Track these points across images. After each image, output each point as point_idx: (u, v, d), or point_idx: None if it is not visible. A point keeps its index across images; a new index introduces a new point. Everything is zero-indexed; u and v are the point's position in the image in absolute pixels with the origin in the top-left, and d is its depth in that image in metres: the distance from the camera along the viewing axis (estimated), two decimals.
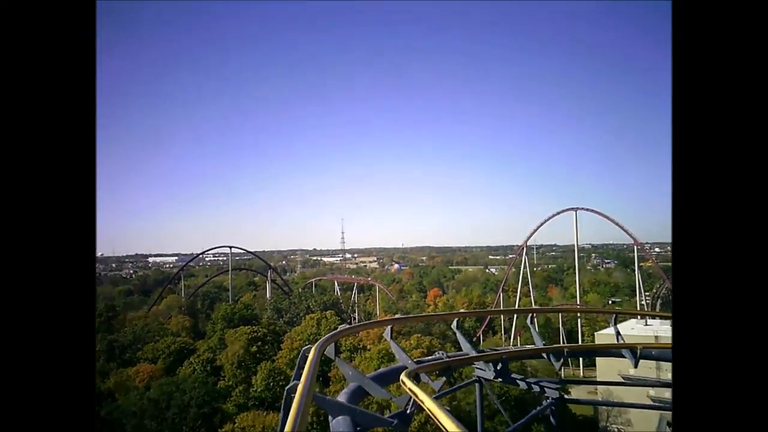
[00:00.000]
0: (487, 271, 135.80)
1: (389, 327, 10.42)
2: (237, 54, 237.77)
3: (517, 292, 70.54)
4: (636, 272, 64.64)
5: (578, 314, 63.69)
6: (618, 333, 14.46)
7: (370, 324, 16.90)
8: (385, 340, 10.81)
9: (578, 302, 66.46)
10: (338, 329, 9.99)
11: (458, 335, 11.88)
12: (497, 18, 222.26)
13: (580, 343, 59.09)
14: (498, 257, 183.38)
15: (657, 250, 79.52)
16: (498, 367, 10.86)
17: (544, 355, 12.36)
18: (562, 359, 12.37)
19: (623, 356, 12.61)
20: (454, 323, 12.36)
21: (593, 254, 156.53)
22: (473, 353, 11.03)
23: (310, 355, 6.67)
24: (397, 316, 14.41)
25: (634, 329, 44.92)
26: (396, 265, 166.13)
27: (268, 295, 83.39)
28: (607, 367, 38.84)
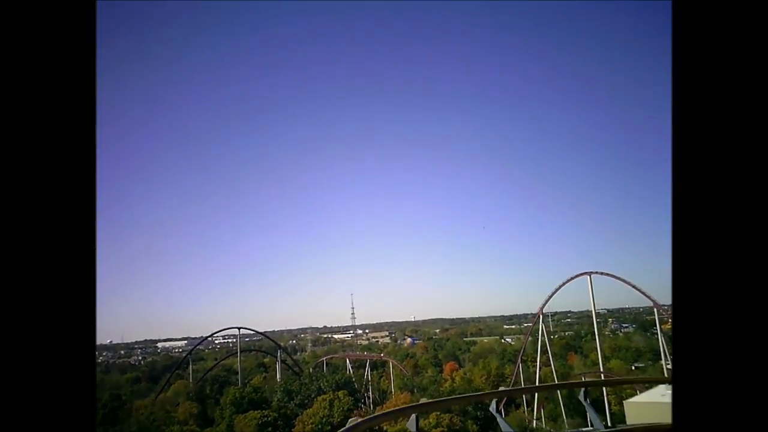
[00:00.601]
0: (503, 341, 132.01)
1: (413, 416, 8.57)
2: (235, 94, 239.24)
3: (536, 361, 67.81)
4: (659, 335, 62.21)
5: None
6: None
7: (391, 414, 13.17)
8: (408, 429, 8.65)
9: (601, 369, 63.53)
10: (350, 424, 7.92)
11: (499, 420, 9.93)
12: (497, 66, 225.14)
13: (607, 414, 55.87)
14: (513, 326, 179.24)
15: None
16: None
17: None
18: None
19: None
20: (493, 405, 10.44)
21: (610, 319, 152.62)
22: None
23: None
24: (422, 400, 11.22)
25: (664, 396, 42.55)
26: (409, 339, 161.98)
27: (278, 377, 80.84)
28: None
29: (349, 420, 8.25)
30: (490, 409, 10.29)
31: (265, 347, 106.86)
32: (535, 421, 57.73)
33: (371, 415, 8.97)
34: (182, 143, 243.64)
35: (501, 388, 13.14)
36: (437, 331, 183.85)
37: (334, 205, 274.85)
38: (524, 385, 65.31)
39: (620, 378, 55.19)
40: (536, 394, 62.86)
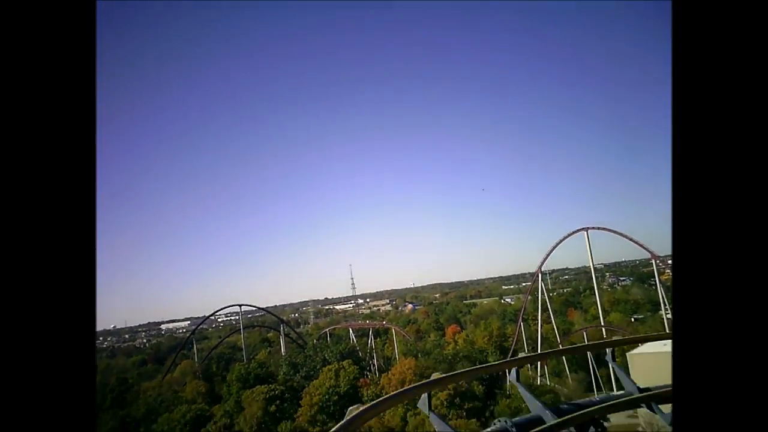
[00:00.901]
0: (502, 301, 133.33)
1: (425, 395, 7.49)
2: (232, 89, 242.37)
3: (537, 319, 68.42)
4: (658, 286, 62.60)
5: (605, 335, 61.37)
6: None
7: (402, 394, 9.65)
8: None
9: (602, 323, 64.20)
10: (353, 412, 6.65)
11: (521, 390, 8.58)
12: (496, 31, 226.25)
13: (610, 367, 56.44)
14: (511, 287, 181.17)
15: (670, 262, 77.54)
16: None
17: (644, 404, 9.01)
18: None
19: None
20: (513, 373, 8.95)
21: (607, 273, 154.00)
22: (549, 416, 7.52)
23: None
24: (434, 376, 8.91)
25: (666, 345, 42.69)
26: (410, 306, 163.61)
27: (282, 351, 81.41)
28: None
29: (348, 410, 7.00)
30: (510, 378, 8.99)
31: (268, 323, 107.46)
32: (539, 378, 58.51)
33: (373, 402, 6.95)
34: (179, 131, 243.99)
35: (521, 355, 10.89)
36: (437, 295, 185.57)
37: (328, 178, 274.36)
38: (526, 343, 66.13)
39: (638, 336, 55.39)
40: (539, 351, 63.61)
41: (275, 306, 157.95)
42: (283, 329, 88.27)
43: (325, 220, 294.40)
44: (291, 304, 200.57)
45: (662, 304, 62.07)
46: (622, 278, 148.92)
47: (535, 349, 65.22)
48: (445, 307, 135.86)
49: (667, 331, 53.98)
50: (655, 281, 65.06)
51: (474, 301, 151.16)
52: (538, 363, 62.49)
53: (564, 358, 60.98)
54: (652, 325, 68.72)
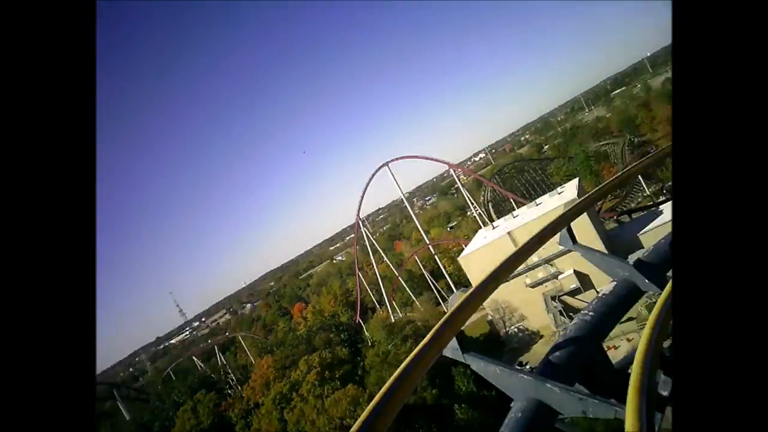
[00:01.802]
0: (334, 261, 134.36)
1: (453, 341, 4.28)
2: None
3: (372, 265, 68.66)
4: (462, 190, 66.42)
5: (433, 251, 64.11)
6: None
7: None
8: None
9: (427, 242, 66.76)
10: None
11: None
12: None
13: (447, 276, 59.38)
14: (338, 245, 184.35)
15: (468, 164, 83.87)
16: None
17: None
18: None
19: None
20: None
21: (414, 198, 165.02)
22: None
23: None
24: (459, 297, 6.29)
25: (486, 237, 45.47)
26: (248, 306, 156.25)
27: (126, 417, 70.26)
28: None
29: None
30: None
31: (100, 395, 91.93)
32: (392, 316, 59.12)
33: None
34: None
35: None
36: (272, 284, 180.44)
37: None
38: (369, 288, 66.27)
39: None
40: (383, 289, 64.26)
41: (103, 371, 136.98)
42: (118, 394, 75.91)
43: (137, 257, 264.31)
44: (120, 362, 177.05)
45: (469, 206, 66.42)
46: (427, 198, 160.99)
47: (380, 291, 65.66)
48: (283, 290, 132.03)
49: (482, 225, 58.14)
50: (457, 188, 69.43)
51: (309, 272, 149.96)
52: (387, 301, 63.15)
53: (404, 284, 62.28)
54: (467, 226, 74.33)
